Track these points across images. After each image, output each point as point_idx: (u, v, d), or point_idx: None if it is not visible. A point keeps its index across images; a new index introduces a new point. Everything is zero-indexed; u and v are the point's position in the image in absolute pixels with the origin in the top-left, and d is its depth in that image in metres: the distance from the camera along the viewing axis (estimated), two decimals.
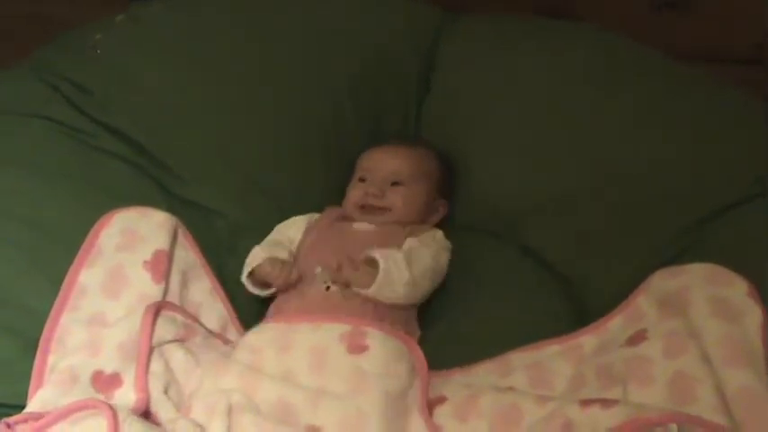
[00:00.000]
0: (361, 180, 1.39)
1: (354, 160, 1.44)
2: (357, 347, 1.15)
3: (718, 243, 1.24)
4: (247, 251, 1.36)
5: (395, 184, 1.37)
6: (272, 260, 1.28)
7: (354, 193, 1.38)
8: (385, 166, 1.38)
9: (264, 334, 1.19)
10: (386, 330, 1.18)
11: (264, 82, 1.45)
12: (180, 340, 1.16)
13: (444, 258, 1.32)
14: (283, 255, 1.32)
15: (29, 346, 1.13)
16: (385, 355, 1.15)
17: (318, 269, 1.27)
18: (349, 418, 1.08)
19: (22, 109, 1.34)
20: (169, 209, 1.31)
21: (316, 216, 1.41)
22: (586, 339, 1.22)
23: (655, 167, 1.33)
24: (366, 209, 1.36)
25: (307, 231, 1.38)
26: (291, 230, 1.39)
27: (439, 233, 1.36)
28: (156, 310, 1.14)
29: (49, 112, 1.34)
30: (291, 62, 1.47)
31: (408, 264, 1.23)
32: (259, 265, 1.28)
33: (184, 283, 1.25)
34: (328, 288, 1.24)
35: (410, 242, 1.30)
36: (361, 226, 1.35)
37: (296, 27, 1.49)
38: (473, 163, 1.46)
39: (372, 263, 1.23)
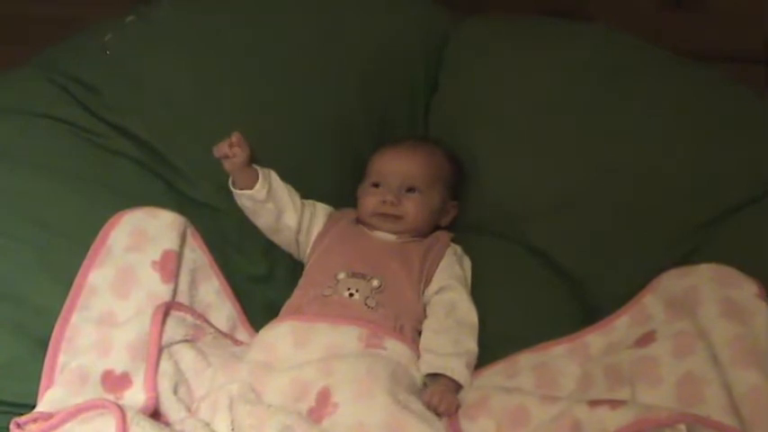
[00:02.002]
0: (375, 185, 1.38)
1: (364, 160, 1.44)
2: (375, 345, 1.17)
3: (727, 244, 1.24)
4: (256, 250, 1.37)
5: (410, 189, 1.36)
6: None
7: (370, 201, 1.36)
8: (399, 169, 1.37)
9: (281, 330, 1.20)
10: (407, 344, 1.20)
11: (273, 82, 1.45)
12: (190, 340, 1.17)
13: (469, 274, 1.34)
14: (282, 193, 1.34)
15: (38, 345, 1.14)
16: (400, 354, 1.18)
17: (341, 275, 1.26)
18: (358, 375, 1.09)
19: (30, 109, 1.34)
20: (177, 208, 1.31)
21: (334, 212, 1.41)
22: (592, 338, 1.22)
23: (663, 167, 1.33)
24: (381, 216, 1.36)
25: (325, 229, 1.38)
26: (316, 209, 1.40)
27: (458, 248, 1.37)
28: (166, 310, 1.15)
29: (58, 112, 1.34)
30: (300, 62, 1.46)
31: (468, 336, 1.23)
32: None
33: (193, 284, 1.26)
34: (351, 295, 1.24)
35: (448, 295, 1.27)
36: (383, 236, 1.35)
37: (305, 27, 1.48)
38: (481, 163, 1.46)
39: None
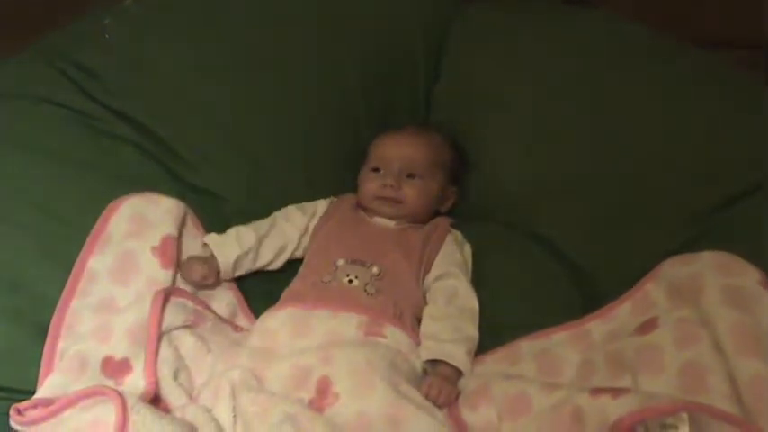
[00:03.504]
0: (375, 170, 1.38)
1: (364, 145, 1.44)
2: (374, 333, 1.17)
3: (731, 230, 1.24)
4: None
5: (410, 175, 1.36)
6: (194, 259, 1.25)
7: (370, 186, 1.37)
8: (399, 154, 1.37)
9: (281, 317, 1.19)
10: (406, 332, 1.19)
11: (274, 66, 1.44)
12: (190, 326, 1.17)
13: (470, 261, 1.33)
14: (248, 234, 1.29)
15: (38, 331, 1.13)
16: (399, 342, 1.17)
17: (341, 261, 1.26)
18: (358, 366, 1.09)
19: (30, 94, 1.33)
20: (177, 195, 1.30)
21: (333, 200, 1.41)
22: (594, 325, 1.21)
23: (669, 154, 1.32)
24: (381, 200, 1.35)
25: (326, 216, 1.37)
26: (305, 216, 1.37)
27: (458, 235, 1.36)
28: (166, 296, 1.14)
29: (58, 98, 1.33)
30: (303, 47, 1.46)
31: (469, 323, 1.22)
32: (186, 259, 1.26)
33: None
34: (351, 282, 1.23)
35: (449, 282, 1.27)
36: (382, 221, 1.35)
37: (307, 11, 1.47)
38: (483, 149, 1.46)
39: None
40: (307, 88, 1.45)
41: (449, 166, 1.41)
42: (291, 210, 1.37)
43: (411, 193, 1.35)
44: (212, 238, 1.28)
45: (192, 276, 1.23)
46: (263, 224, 1.34)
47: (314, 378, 1.09)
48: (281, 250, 1.33)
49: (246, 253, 1.29)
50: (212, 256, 1.27)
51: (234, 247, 1.28)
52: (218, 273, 1.27)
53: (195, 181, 1.38)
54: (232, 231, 1.30)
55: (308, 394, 1.08)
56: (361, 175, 1.41)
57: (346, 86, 1.48)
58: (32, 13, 1.81)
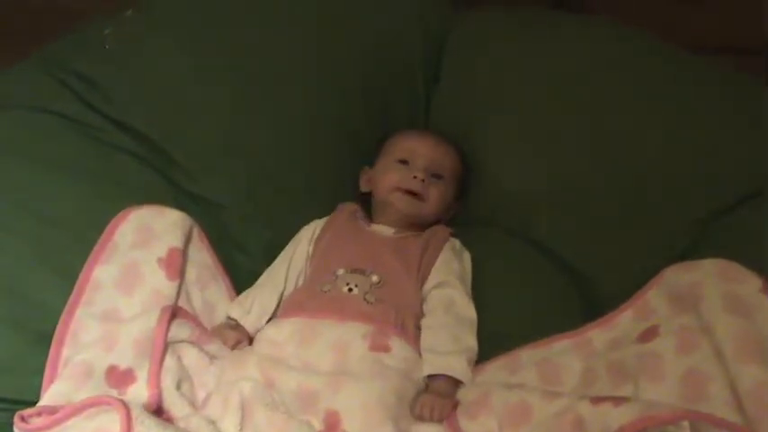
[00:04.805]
0: (403, 162, 1.37)
1: (363, 151, 1.44)
2: (380, 347, 1.16)
3: (732, 236, 1.24)
4: (256, 247, 1.36)
5: (436, 176, 1.36)
6: (225, 326, 1.25)
7: (395, 176, 1.36)
8: (430, 153, 1.37)
9: (285, 328, 1.20)
10: (410, 342, 1.19)
11: (272, 73, 1.44)
12: (194, 342, 1.17)
13: (469, 269, 1.33)
14: (270, 298, 1.29)
15: (38, 340, 1.13)
16: (405, 358, 1.17)
17: (341, 271, 1.26)
18: (369, 404, 1.08)
19: (30, 103, 1.34)
20: (177, 203, 1.30)
21: (324, 220, 1.40)
22: (596, 334, 1.21)
23: (669, 159, 1.33)
24: (402, 193, 1.35)
25: (326, 227, 1.37)
26: (303, 244, 1.36)
27: (456, 243, 1.35)
28: (173, 312, 1.14)
29: (58, 107, 1.34)
30: (301, 52, 1.46)
31: (467, 333, 1.22)
32: (217, 326, 1.26)
33: (199, 283, 1.26)
34: (350, 290, 1.23)
35: (446, 291, 1.26)
36: (380, 229, 1.35)
37: (306, 18, 1.48)
38: (484, 151, 1.46)
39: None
40: (306, 89, 1.45)
41: (460, 177, 1.42)
42: (300, 251, 1.35)
43: (434, 194, 1.35)
44: (236, 311, 1.26)
45: (226, 344, 1.21)
46: (278, 276, 1.32)
47: (322, 405, 1.08)
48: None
49: (272, 313, 1.28)
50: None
51: (260, 315, 1.26)
52: (250, 335, 1.26)
53: (194, 188, 1.38)
54: (256, 301, 1.28)
55: (315, 419, 1.07)
56: (381, 167, 1.40)
57: (346, 87, 1.48)
58: (33, 23, 1.81)
